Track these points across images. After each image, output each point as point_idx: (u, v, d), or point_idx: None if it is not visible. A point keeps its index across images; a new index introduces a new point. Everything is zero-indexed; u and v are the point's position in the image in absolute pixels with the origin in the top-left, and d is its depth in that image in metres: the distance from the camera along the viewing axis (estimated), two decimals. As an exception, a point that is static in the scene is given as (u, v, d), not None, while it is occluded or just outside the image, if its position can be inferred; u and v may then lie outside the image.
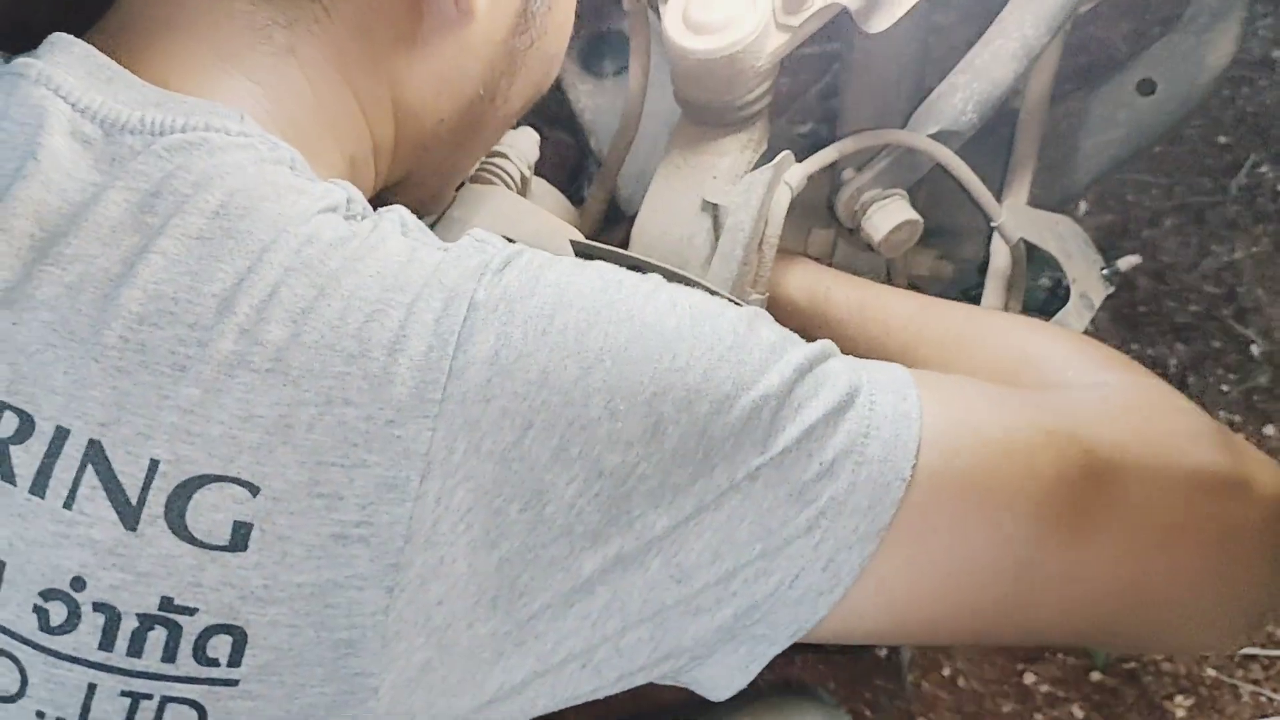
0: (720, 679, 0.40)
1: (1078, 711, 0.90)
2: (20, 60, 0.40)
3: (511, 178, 0.61)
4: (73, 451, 0.36)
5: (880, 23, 0.56)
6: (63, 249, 0.37)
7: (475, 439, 0.36)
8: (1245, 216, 1.09)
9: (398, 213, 0.42)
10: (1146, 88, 0.75)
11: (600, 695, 0.40)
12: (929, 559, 0.39)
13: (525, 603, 0.37)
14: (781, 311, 0.62)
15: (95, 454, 0.36)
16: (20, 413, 0.36)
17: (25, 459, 0.36)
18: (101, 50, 0.41)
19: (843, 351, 0.59)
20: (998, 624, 0.41)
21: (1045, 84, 0.68)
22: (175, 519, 0.35)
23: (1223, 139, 1.14)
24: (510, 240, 0.57)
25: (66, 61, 0.40)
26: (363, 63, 0.46)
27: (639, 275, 0.41)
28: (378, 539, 0.35)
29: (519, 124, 0.65)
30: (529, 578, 0.36)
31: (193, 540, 0.35)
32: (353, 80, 0.46)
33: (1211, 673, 0.91)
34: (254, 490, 0.35)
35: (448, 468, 0.36)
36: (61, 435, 0.36)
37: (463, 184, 0.61)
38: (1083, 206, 1.11)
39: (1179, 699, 0.90)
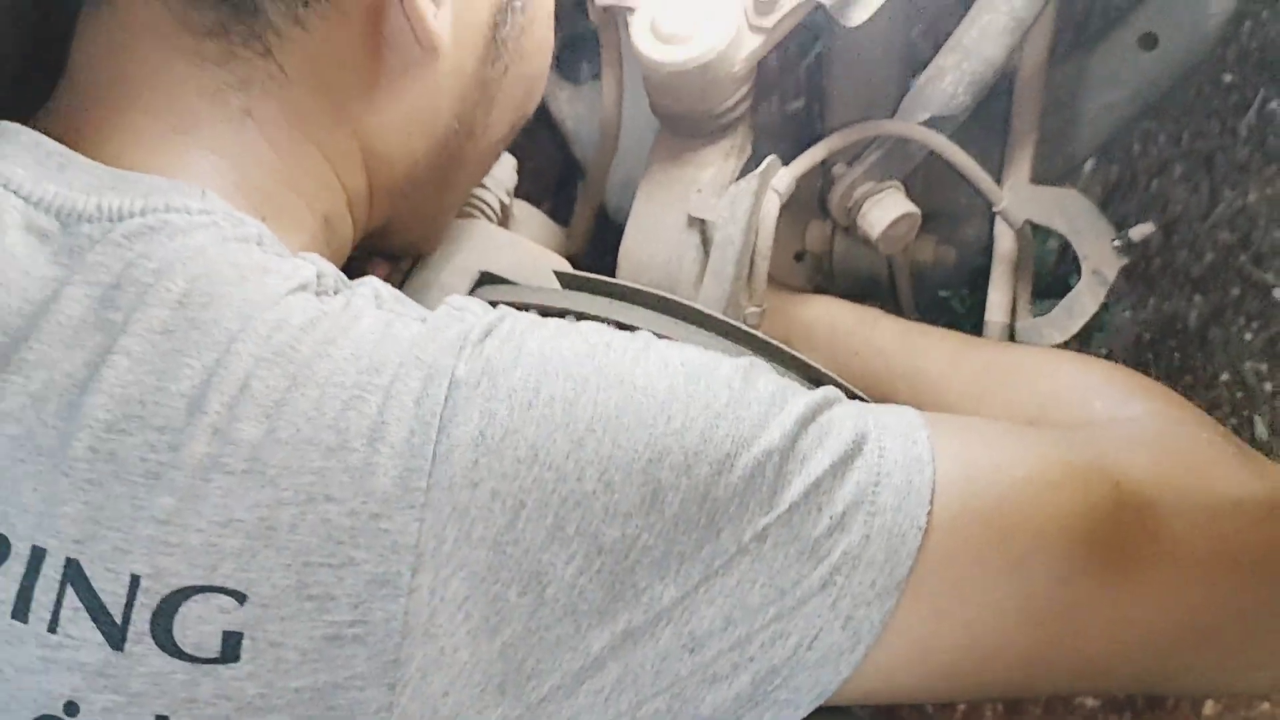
0: None
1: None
2: None
3: (491, 208, 0.59)
4: (51, 572, 0.34)
5: (858, 15, 0.53)
6: (25, 354, 0.36)
7: (465, 526, 0.34)
8: (1257, 158, 1.06)
9: (370, 285, 0.40)
10: (1148, 42, 0.72)
11: None
12: (955, 609, 0.37)
13: (534, 685, 0.35)
14: (829, 327, 0.61)
15: (74, 573, 0.34)
16: None
17: (4, 583, 0.35)
18: (53, 132, 0.40)
19: (883, 379, 0.58)
20: (1044, 674, 0.39)
21: (1040, 53, 0.65)
22: (162, 635, 0.34)
23: (1228, 78, 1.10)
24: (492, 275, 0.55)
25: (14, 153, 0.39)
26: (324, 116, 0.44)
27: (627, 335, 0.39)
28: (374, 637, 0.34)
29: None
30: (536, 660, 0.35)
31: (182, 655, 0.34)
32: (316, 136, 0.44)
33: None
34: (241, 598, 0.34)
35: (439, 558, 0.34)
36: (38, 556, 0.34)
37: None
38: (1089, 163, 1.08)
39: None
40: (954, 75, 0.58)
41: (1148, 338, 1.01)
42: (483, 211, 0.58)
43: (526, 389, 0.35)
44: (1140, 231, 0.65)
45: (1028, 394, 0.51)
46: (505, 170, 0.60)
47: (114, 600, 0.34)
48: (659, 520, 0.35)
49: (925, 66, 0.61)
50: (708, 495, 0.35)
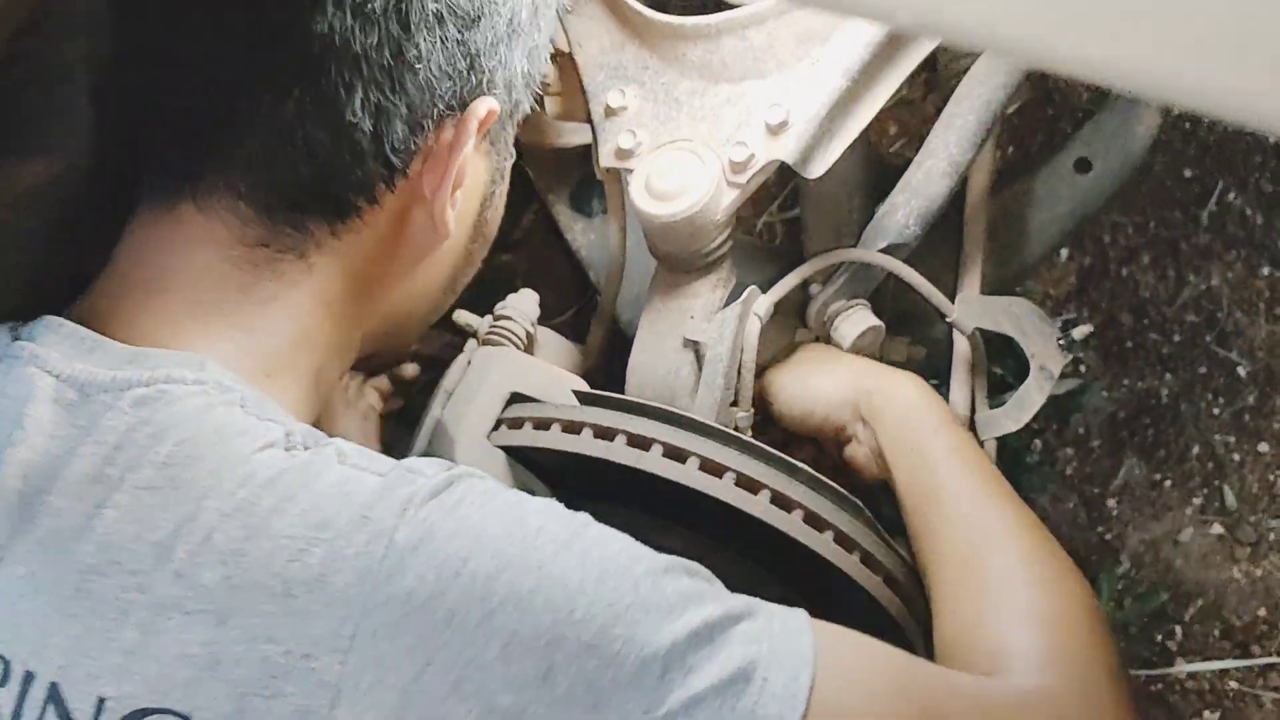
0: None
1: (1108, 738, 0.95)
2: (17, 344, 0.47)
3: (518, 337, 0.70)
4: (38, 693, 0.41)
5: (817, 169, 0.64)
6: (40, 506, 0.42)
7: (380, 673, 0.40)
8: (1218, 244, 1.14)
9: (335, 445, 0.46)
10: (1083, 165, 0.82)
11: None
12: None
13: None
14: (903, 410, 0.65)
15: (54, 695, 0.41)
16: (2, 658, 0.42)
17: (6, 699, 0.42)
18: (93, 314, 0.48)
19: (906, 476, 0.62)
20: None
21: (983, 187, 0.76)
22: None
23: (1188, 172, 1.18)
24: (521, 395, 0.66)
25: (54, 340, 0.46)
26: (346, 296, 0.52)
27: (565, 519, 0.44)
28: None
29: (520, 287, 0.74)
30: None
31: None
32: (333, 310, 0.52)
33: (1234, 685, 0.96)
34: None
35: (355, 696, 0.40)
36: (29, 679, 0.42)
37: (479, 345, 0.70)
38: (1064, 253, 1.17)
39: (1206, 714, 0.95)
40: (904, 210, 0.69)
41: (1123, 415, 1.09)
42: (512, 341, 0.69)
43: (457, 559, 0.41)
44: (1081, 331, 0.75)
45: (991, 570, 0.57)
46: (530, 305, 0.72)
47: (82, 718, 0.40)
48: (548, 695, 0.40)
49: (903, 172, 0.71)
50: (594, 684, 0.40)
